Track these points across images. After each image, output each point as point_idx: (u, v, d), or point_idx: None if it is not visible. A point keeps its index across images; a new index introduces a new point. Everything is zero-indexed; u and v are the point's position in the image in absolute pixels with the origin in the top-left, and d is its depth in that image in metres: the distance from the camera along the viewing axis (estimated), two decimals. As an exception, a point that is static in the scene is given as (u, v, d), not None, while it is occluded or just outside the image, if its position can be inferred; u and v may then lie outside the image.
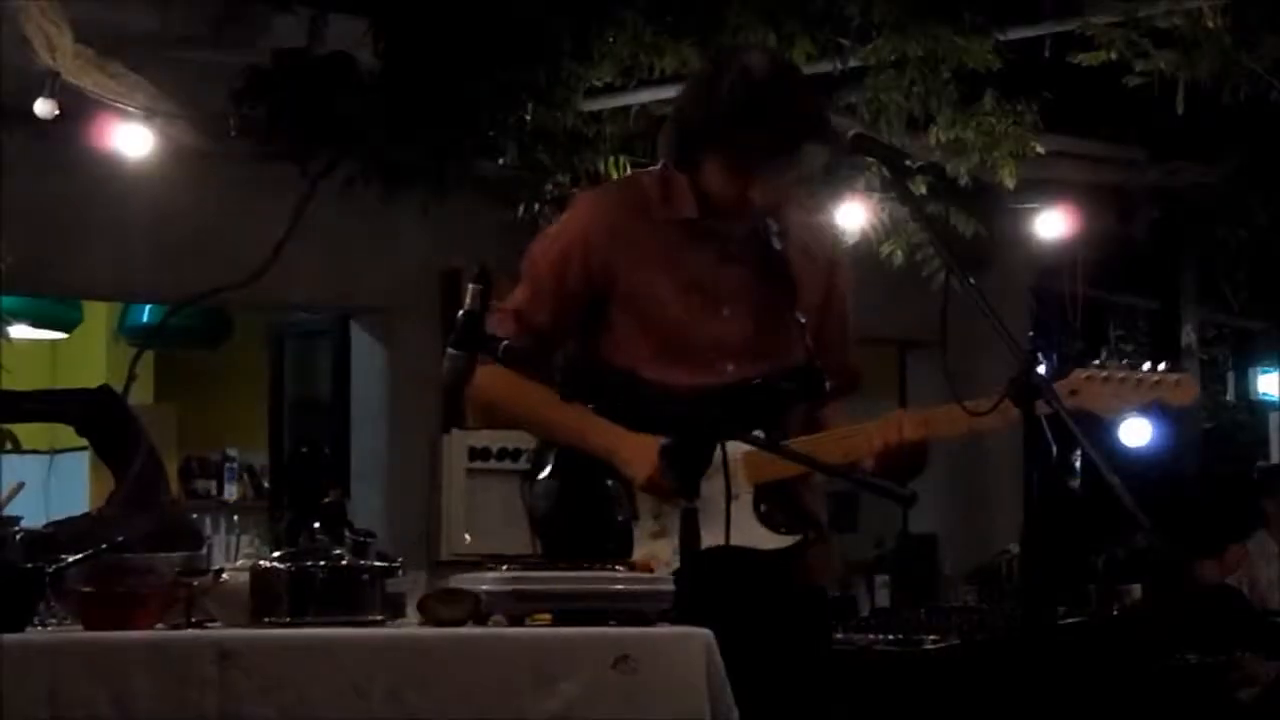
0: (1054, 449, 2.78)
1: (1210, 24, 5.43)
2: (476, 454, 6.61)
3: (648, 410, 3.07)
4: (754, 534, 3.05)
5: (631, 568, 2.83)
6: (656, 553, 3.03)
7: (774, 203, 3.14)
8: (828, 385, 3.17)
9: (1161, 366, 3.05)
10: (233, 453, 8.66)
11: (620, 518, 3.09)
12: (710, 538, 2.98)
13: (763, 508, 3.08)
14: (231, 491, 8.61)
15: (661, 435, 3.04)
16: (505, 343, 2.91)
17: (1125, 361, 3.09)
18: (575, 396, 3.02)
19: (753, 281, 3.17)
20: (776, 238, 3.17)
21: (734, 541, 3.04)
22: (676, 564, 2.97)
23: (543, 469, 3.20)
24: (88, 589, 2.50)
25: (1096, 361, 3.08)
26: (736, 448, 3.04)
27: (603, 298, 3.14)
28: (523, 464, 3.48)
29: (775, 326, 3.15)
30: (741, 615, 2.86)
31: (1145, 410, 3.06)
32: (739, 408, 3.08)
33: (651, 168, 3.28)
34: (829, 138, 3.16)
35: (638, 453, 3.05)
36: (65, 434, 3.88)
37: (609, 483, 3.10)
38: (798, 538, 3.11)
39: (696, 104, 3.11)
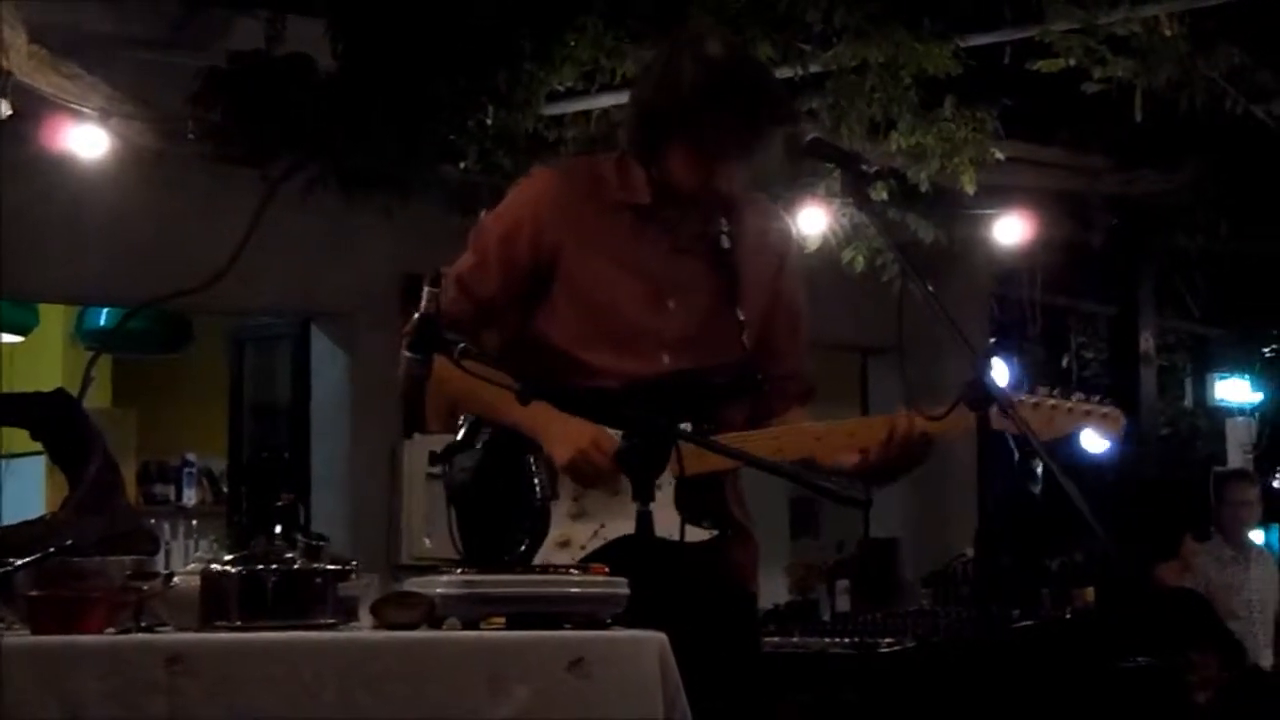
0: (1015, 455, 2.80)
1: (1168, 32, 5.46)
2: (437, 459, 6.58)
3: (579, 393, 3.05)
4: (673, 525, 3.02)
5: (586, 570, 2.81)
6: (573, 534, 3.04)
7: (732, 196, 3.12)
8: (764, 384, 3.16)
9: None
10: (192, 457, 8.60)
11: (539, 496, 3.08)
12: (627, 526, 2.96)
13: (683, 500, 3.05)
14: (190, 496, 8.55)
15: (588, 419, 3.02)
16: (462, 345, 2.90)
17: (1057, 390, 3.14)
18: (509, 371, 3.01)
19: (699, 276, 3.15)
20: (728, 236, 3.16)
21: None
22: (593, 547, 3.00)
23: (466, 444, 3.18)
24: (35, 593, 2.48)
25: (1029, 388, 3.13)
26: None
27: (547, 274, 3.12)
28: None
29: (715, 322, 3.14)
30: (659, 605, 2.84)
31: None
32: (669, 399, 3.06)
33: (610, 152, 3.27)
34: (792, 122, 3.16)
35: (566, 435, 3.03)
36: (20, 438, 3.86)
37: (530, 462, 3.09)
38: (716, 533, 3.10)
39: (657, 89, 3.09)
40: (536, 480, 3.08)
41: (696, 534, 3.06)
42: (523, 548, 3.03)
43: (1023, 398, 3.10)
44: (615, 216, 3.13)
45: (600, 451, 3.03)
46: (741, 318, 3.14)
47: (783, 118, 3.10)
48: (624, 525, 2.99)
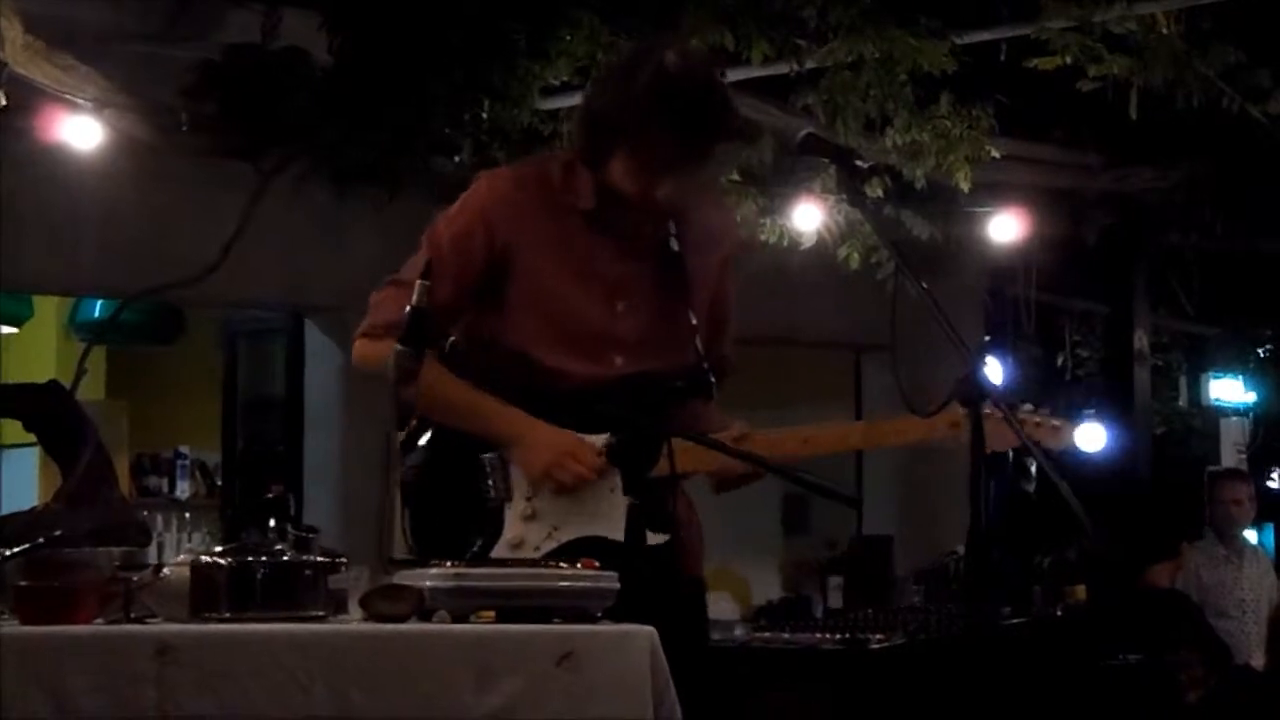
0: (1009, 453, 2.81)
1: (1164, 30, 5.47)
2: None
3: (537, 394, 3.09)
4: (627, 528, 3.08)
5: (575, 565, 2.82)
6: (527, 535, 3.06)
7: (678, 202, 3.14)
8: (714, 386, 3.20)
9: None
10: (185, 450, 8.60)
11: (491, 497, 3.10)
12: (583, 528, 3.03)
13: (638, 503, 3.10)
14: (184, 489, 8.55)
15: (548, 421, 3.07)
16: (452, 339, 2.92)
17: (1005, 403, 3.16)
18: (466, 374, 3.02)
19: (649, 279, 3.18)
20: (675, 239, 3.18)
21: (608, 534, 3.08)
22: (546, 549, 3.03)
23: (417, 444, 3.19)
24: (23, 583, 2.48)
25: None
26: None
27: (501, 276, 3.14)
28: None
29: (668, 325, 3.17)
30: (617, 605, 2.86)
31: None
32: (627, 401, 3.10)
33: (557, 154, 3.29)
34: (740, 138, 3.18)
35: (542, 443, 3.07)
36: (14, 429, 3.86)
37: (484, 463, 3.11)
38: (668, 536, 3.13)
39: (607, 97, 3.11)
40: (490, 481, 3.10)
41: (651, 536, 3.10)
42: (475, 548, 3.06)
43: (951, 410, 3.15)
44: (565, 219, 3.15)
45: (577, 459, 3.06)
46: (694, 320, 3.17)
47: (730, 134, 3.13)
48: (578, 527, 3.05)
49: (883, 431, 3.25)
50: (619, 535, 3.06)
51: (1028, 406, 3.18)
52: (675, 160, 3.04)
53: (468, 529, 3.06)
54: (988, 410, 3.07)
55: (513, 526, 3.08)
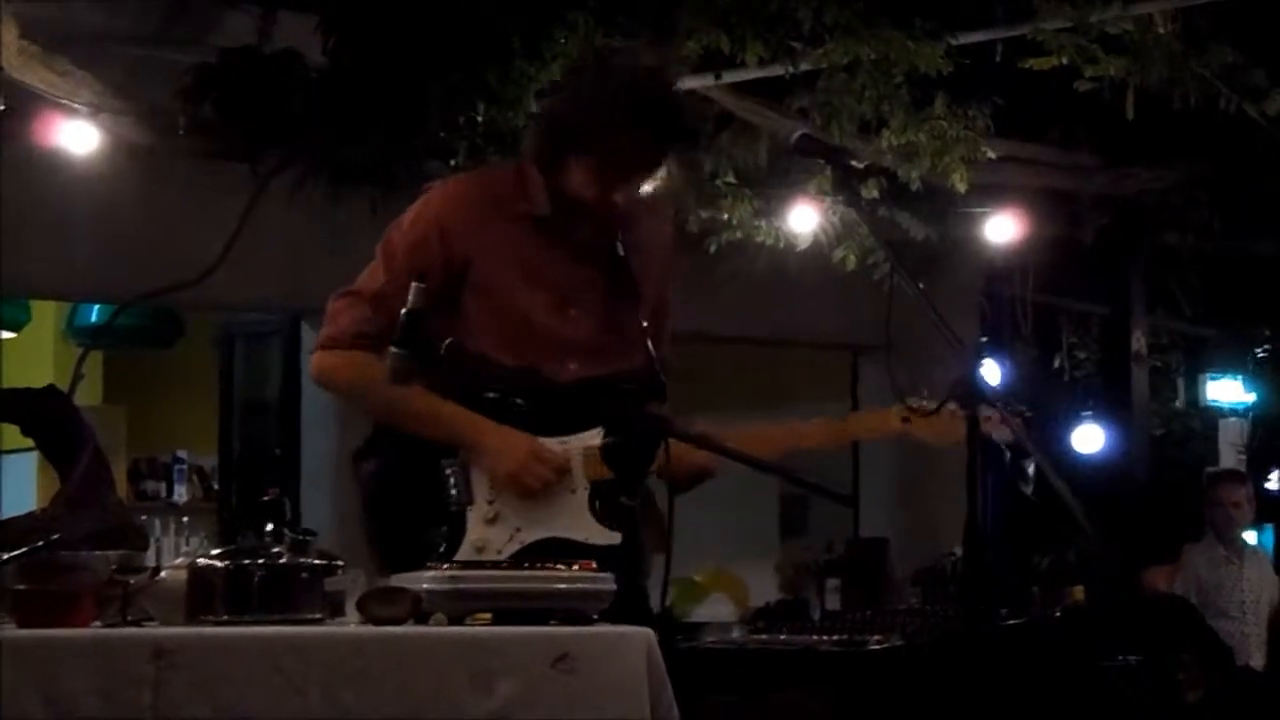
0: (1007, 454, 2.82)
1: (1161, 30, 5.47)
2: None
3: (498, 399, 3.15)
4: (589, 529, 3.14)
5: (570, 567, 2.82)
6: (490, 538, 3.10)
7: (630, 208, 3.21)
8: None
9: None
10: (182, 454, 8.60)
11: (453, 501, 3.13)
12: (544, 529, 3.09)
13: (597, 504, 3.16)
14: (181, 493, 8.55)
15: (513, 427, 3.13)
16: (449, 340, 2.94)
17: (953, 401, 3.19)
18: (429, 381, 3.07)
19: (599, 284, 3.25)
20: (622, 244, 3.24)
21: (569, 535, 3.13)
22: (510, 551, 3.08)
23: (376, 450, 3.25)
24: (21, 586, 2.48)
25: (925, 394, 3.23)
26: (580, 441, 3.13)
27: (457, 283, 3.20)
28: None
29: (619, 329, 3.23)
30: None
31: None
32: (583, 405, 3.16)
33: (505, 162, 3.34)
34: (695, 150, 3.27)
35: (505, 448, 3.12)
36: (11, 434, 3.86)
37: (444, 468, 3.15)
38: (620, 538, 3.17)
39: (566, 103, 3.21)
40: (451, 486, 3.15)
41: (607, 536, 3.15)
42: (439, 552, 3.09)
43: (921, 404, 3.20)
44: (517, 227, 3.22)
45: (541, 462, 3.11)
46: (644, 323, 3.22)
47: (686, 145, 3.21)
48: (541, 529, 3.11)
49: (836, 429, 3.29)
50: (580, 536, 3.13)
51: (951, 405, 3.22)
52: (636, 165, 3.12)
53: (430, 533, 3.11)
54: (920, 406, 3.13)
55: (475, 530, 3.13)
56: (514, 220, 3.21)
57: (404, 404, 3.13)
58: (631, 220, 3.24)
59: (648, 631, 2.66)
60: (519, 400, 3.16)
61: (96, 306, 7.86)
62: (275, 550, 2.63)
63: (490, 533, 3.11)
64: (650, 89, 3.14)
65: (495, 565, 2.93)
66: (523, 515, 3.13)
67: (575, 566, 2.81)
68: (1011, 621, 5.25)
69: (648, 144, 3.10)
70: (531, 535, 3.12)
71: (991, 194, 6.83)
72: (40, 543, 2.62)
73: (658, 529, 3.26)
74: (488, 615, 2.69)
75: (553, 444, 3.15)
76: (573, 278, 3.23)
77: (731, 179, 6.30)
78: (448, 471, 3.15)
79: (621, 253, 3.24)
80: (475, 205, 3.24)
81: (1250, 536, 8.18)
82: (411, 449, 3.18)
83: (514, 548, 3.11)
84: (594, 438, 3.15)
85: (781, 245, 6.59)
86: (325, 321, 3.28)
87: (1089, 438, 8.48)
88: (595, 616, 2.72)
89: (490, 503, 3.14)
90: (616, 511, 3.16)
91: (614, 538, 3.14)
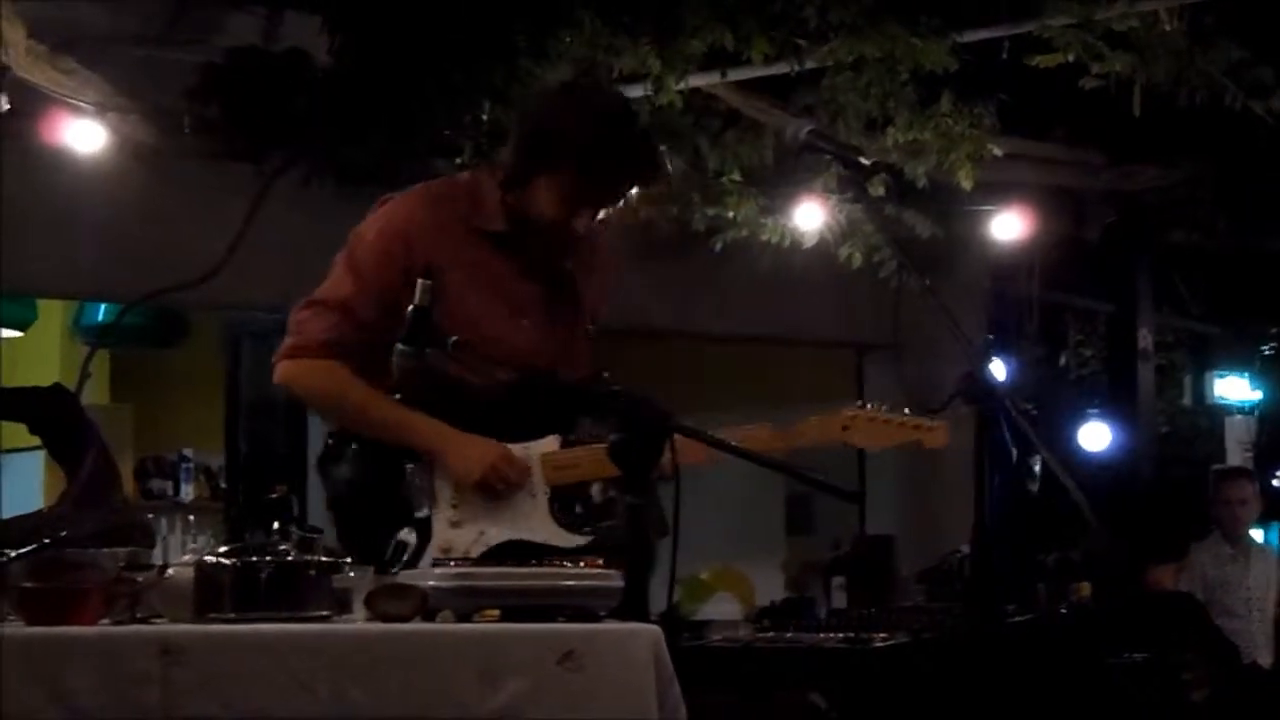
0: (1013, 452, 2.82)
1: (1166, 27, 5.46)
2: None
3: (458, 404, 3.20)
4: (550, 532, 3.20)
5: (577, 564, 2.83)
6: (455, 540, 3.14)
7: (586, 230, 3.29)
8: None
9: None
10: (189, 453, 8.60)
11: (419, 506, 3.19)
12: (507, 532, 3.15)
13: (557, 508, 3.22)
14: (188, 492, 8.55)
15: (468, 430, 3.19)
16: (454, 339, 2.96)
17: (885, 405, 3.26)
18: (393, 384, 3.12)
19: (548, 298, 3.33)
20: (569, 263, 3.34)
21: (532, 538, 3.19)
22: (476, 552, 3.13)
23: (341, 457, 3.30)
24: (28, 584, 2.48)
25: (860, 402, 3.27)
26: (538, 447, 3.21)
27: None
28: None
29: (567, 341, 3.33)
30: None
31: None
32: (537, 410, 3.22)
33: (462, 175, 3.43)
34: (659, 183, 3.35)
35: (471, 452, 3.18)
36: (19, 433, 3.86)
37: (408, 472, 3.21)
38: (587, 540, 3.23)
39: (545, 127, 3.24)
40: (416, 490, 3.20)
41: (567, 539, 3.21)
42: (406, 556, 3.13)
43: (859, 411, 3.24)
44: (474, 239, 3.29)
45: (509, 464, 3.18)
46: (590, 336, 3.34)
47: (652, 180, 3.34)
48: (506, 530, 3.17)
49: (785, 434, 3.31)
50: (541, 539, 3.19)
51: (906, 411, 3.24)
52: (606, 193, 3.22)
53: (397, 537, 3.16)
54: (858, 413, 3.15)
55: (441, 533, 3.19)
56: (472, 233, 3.30)
57: (373, 411, 3.21)
58: (580, 241, 3.33)
59: (655, 629, 2.66)
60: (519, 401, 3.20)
61: (103, 306, 7.86)
62: (282, 548, 2.63)
63: (456, 535, 3.18)
64: (630, 120, 3.27)
65: (500, 562, 2.94)
66: (486, 518, 3.19)
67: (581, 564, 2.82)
68: (1017, 619, 5.24)
69: (625, 174, 3.21)
70: (497, 538, 3.19)
71: (997, 191, 6.83)
72: (47, 541, 2.63)
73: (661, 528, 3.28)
74: (495, 612, 2.69)
75: (515, 449, 3.22)
76: (525, 291, 3.32)
77: (737, 177, 6.30)
78: (412, 476, 3.21)
79: (569, 268, 3.34)
80: (437, 217, 3.30)
81: (1257, 534, 8.18)
82: (375, 454, 3.24)
83: (481, 549, 3.17)
84: (551, 444, 3.23)
85: (787, 243, 6.59)
86: (290, 331, 3.34)
87: (1095, 435, 8.48)
88: (603, 614, 2.72)
89: (454, 506, 3.20)
90: (574, 517, 3.24)
91: (574, 541, 3.20)
